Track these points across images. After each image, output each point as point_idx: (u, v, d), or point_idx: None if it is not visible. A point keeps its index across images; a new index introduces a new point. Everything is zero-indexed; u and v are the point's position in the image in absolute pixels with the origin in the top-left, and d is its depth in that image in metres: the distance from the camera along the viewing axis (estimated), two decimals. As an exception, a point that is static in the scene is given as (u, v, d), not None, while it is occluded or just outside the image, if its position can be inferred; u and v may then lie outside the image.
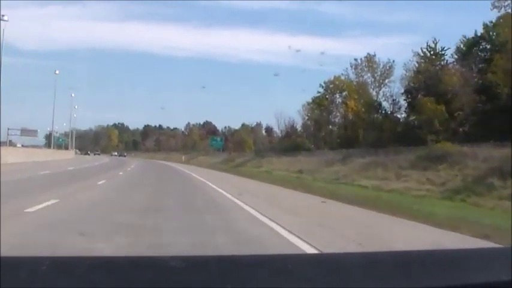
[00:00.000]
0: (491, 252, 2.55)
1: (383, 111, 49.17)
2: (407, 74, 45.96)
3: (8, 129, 73.84)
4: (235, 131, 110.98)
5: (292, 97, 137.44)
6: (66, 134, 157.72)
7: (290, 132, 66.62)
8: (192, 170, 39.45)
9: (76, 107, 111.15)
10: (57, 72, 77.06)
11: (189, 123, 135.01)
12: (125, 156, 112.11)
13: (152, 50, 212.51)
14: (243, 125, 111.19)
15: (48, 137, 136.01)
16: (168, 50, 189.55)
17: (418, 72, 44.16)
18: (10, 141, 76.13)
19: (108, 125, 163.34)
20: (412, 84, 44.31)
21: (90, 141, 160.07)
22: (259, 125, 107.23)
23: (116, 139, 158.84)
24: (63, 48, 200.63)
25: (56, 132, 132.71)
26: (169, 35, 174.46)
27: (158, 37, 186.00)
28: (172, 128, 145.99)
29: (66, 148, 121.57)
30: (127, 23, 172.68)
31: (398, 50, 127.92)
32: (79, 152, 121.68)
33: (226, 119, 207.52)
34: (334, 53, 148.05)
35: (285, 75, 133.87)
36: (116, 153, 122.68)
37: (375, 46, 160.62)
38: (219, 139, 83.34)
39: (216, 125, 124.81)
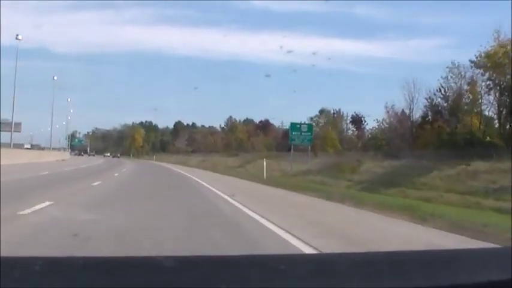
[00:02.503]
0: (490, 252, 2.51)
1: None
2: None
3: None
4: (316, 117, 71.74)
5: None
6: (87, 135, 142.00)
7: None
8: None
9: (71, 111, 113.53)
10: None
11: (230, 117, 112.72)
12: (118, 157, 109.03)
13: (174, 52, 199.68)
14: (321, 111, 72.85)
15: (71, 138, 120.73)
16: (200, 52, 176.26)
17: None
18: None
19: (133, 123, 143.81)
20: None
21: (113, 142, 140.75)
22: (338, 113, 72.29)
23: (140, 139, 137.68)
24: (90, 51, 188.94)
25: (79, 133, 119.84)
26: (199, 37, 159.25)
27: (186, 39, 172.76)
28: (207, 126, 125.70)
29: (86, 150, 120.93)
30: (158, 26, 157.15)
31: (434, 53, 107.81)
32: (76, 153, 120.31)
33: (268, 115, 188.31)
34: (370, 54, 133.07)
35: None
36: (109, 154, 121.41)
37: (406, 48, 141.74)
38: (306, 128, 40.27)
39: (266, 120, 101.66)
